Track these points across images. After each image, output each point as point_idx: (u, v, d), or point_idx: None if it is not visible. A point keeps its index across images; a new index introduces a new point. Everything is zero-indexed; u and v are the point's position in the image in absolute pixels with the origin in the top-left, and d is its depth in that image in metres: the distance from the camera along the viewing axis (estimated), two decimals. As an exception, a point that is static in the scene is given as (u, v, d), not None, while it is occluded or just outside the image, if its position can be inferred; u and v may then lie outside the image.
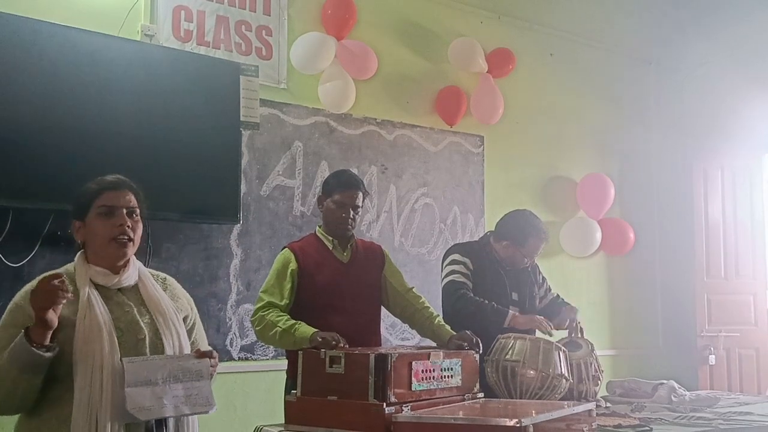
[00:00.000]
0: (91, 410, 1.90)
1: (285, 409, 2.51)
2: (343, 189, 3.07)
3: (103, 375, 1.92)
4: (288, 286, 2.96)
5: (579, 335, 3.32)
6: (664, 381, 3.38)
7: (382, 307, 3.20)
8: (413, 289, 3.20)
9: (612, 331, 5.62)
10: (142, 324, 2.05)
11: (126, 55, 3.49)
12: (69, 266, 2.09)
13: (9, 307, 2.01)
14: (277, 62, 4.26)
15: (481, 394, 2.74)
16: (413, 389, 2.42)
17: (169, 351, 2.05)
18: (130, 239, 2.07)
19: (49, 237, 3.35)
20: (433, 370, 2.52)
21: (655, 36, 6.07)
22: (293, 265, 3.00)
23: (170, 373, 1.99)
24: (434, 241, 4.84)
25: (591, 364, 3.16)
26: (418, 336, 3.32)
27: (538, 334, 3.27)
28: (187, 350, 2.12)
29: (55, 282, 1.85)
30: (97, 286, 2.04)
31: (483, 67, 4.93)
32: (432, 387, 2.51)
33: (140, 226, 2.12)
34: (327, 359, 2.42)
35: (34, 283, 1.95)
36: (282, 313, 2.89)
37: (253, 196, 4.15)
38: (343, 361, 2.39)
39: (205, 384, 2.05)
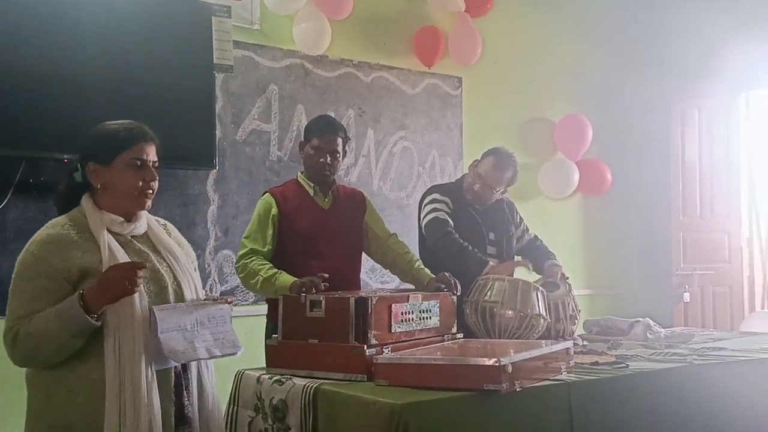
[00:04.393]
0: (124, 358, 1.91)
1: (266, 353, 2.51)
2: (321, 134, 3.05)
3: (134, 323, 1.93)
4: (270, 232, 2.97)
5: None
6: (640, 319, 3.42)
7: (363, 252, 3.20)
8: (394, 235, 3.20)
9: (589, 271, 5.68)
10: (162, 271, 2.06)
11: (93, -4, 3.38)
12: (75, 212, 2.05)
13: (25, 258, 1.96)
14: (249, 2, 4.14)
15: (460, 335, 2.77)
16: (393, 331, 2.43)
17: (188, 297, 2.08)
18: (154, 192, 2.10)
19: (21, 185, 3.30)
20: (412, 312, 2.54)
21: (635, -26, 5.98)
22: (274, 210, 3.00)
23: (197, 319, 2.04)
24: (413, 185, 4.82)
25: (568, 303, 3.19)
26: (398, 279, 3.34)
27: (517, 274, 3.29)
28: (202, 296, 2.16)
29: (141, 272, 1.90)
30: (112, 234, 2.02)
31: (461, 6, 4.83)
32: (411, 329, 2.53)
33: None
34: (307, 303, 2.42)
35: (47, 231, 1.97)
36: (264, 261, 2.91)
37: (229, 141, 4.09)
38: (323, 304, 2.40)
39: (229, 328, 2.12)
